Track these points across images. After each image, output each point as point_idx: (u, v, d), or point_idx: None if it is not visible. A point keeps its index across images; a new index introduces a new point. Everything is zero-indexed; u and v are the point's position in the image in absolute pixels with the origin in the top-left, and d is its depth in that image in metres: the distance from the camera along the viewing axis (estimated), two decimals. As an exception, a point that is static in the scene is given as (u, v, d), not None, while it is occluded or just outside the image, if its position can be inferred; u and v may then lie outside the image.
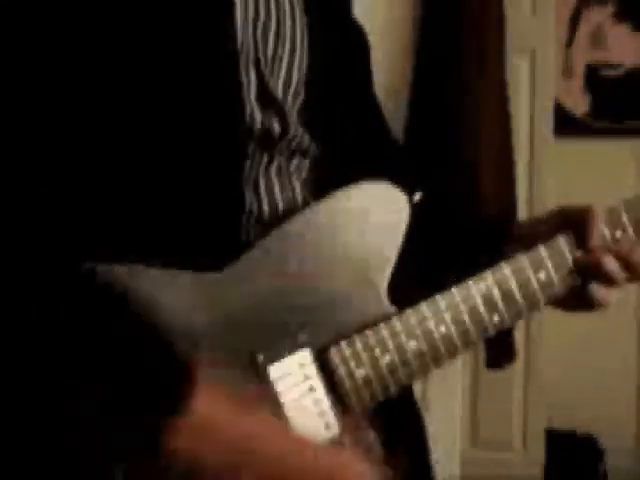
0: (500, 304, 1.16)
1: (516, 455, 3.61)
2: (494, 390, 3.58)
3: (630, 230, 1.22)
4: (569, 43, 3.96)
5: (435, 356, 1.14)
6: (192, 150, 1.08)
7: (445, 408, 3.24)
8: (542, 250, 1.19)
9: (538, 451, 3.58)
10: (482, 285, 1.16)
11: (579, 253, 1.20)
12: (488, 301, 1.16)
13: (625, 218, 1.21)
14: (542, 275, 1.18)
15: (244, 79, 1.13)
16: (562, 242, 1.20)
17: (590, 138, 3.93)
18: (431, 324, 1.13)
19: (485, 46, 3.30)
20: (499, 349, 3.21)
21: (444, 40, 3.27)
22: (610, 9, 3.92)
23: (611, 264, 1.19)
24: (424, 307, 1.14)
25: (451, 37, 3.28)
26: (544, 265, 1.18)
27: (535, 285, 1.18)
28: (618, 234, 1.21)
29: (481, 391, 3.63)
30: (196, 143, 1.08)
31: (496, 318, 1.16)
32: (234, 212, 1.11)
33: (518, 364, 3.42)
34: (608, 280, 1.20)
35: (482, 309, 1.16)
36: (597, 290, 1.21)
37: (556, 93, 3.74)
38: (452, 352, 1.15)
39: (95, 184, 1.06)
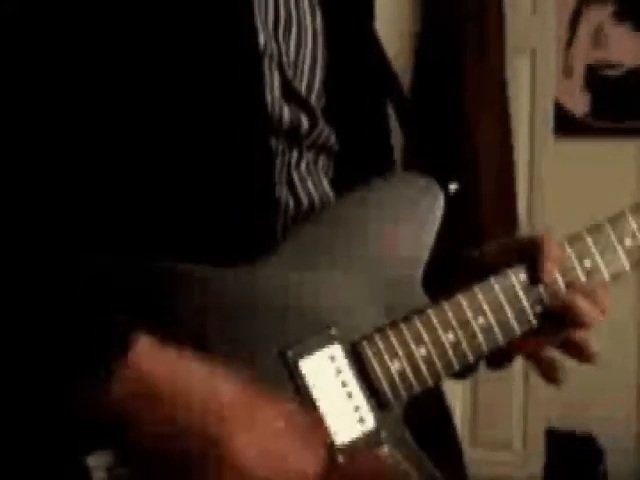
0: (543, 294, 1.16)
1: (516, 455, 3.61)
2: (494, 390, 3.58)
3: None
4: (569, 43, 3.96)
5: (474, 347, 1.13)
6: (220, 148, 1.09)
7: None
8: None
9: (538, 451, 3.58)
10: (522, 275, 1.16)
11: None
12: (528, 290, 1.15)
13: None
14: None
15: (268, 79, 1.13)
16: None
17: (590, 138, 3.93)
18: (468, 315, 1.13)
19: (485, 46, 3.30)
20: (499, 349, 3.20)
21: (444, 40, 3.27)
22: (610, 9, 3.92)
23: (582, 305, 1.15)
24: (460, 298, 1.13)
25: (451, 37, 3.28)
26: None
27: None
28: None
29: (481, 391, 3.63)
30: (223, 141, 1.09)
31: (539, 309, 1.16)
32: (267, 208, 1.12)
33: (518, 364, 3.41)
34: (579, 322, 1.16)
35: (523, 298, 1.15)
36: (574, 333, 1.17)
37: (556, 93, 3.74)
38: (492, 343, 1.14)
39: (132, 183, 1.07)
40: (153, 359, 0.98)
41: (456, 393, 3.46)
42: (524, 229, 3.42)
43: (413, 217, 1.14)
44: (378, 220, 1.13)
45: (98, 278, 1.02)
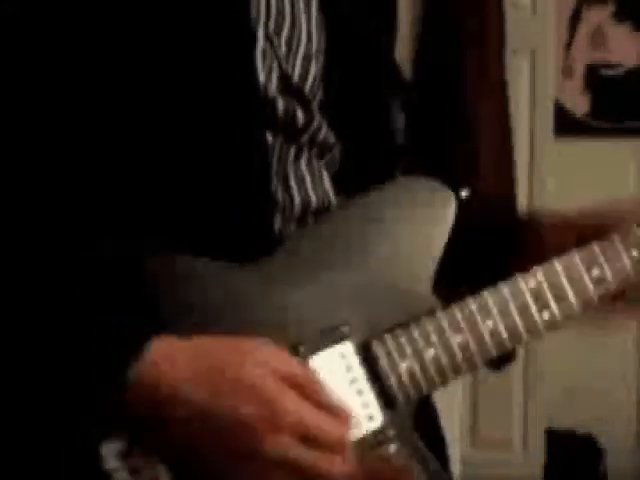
0: (551, 301, 1.16)
1: (516, 455, 3.61)
2: (494, 390, 3.58)
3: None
4: (569, 43, 3.96)
5: (482, 350, 1.14)
6: (215, 144, 1.09)
7: (445, 408, 3.24)
8: (595, 247, 1.18)
9: (538, 451, 3.59)
10: (532, 281, 1.16)
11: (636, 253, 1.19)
12: (538, 297, 1.16)
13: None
14: (596, 272, 1.17)
15: (263, 69, 1.13)
16: (616, 240, 1.19)
17: (590, 138, 3.93)
18: (478, 318, 1.13)
19: (485, 46, 3.30)
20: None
21: (444, 40, 3.27)
22: (610, 9, 3.93)
23: None
24: (470, 302, 1.14)
25: (451, 37, 3.28)
26: (598, 262, 1.18)
27: (588, 282, 1.17)
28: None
29: (481, 391, 3.63)
30: (219, 136, 1.09)
31: (546, 315, 1.16)
32: (264, 205, 1.12)
33: (518, 364, 3.42)
34: None
35: (532, 305, 1.16)
36: None
37: (556, 93, 3.74)
38: (500, 347, 1.15)
39: (127, 179, 1.07)
40: (169, 359, 0.99)
41: (456, 393, 3.45)
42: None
43: (426, 219, 1.15)
44: (392, 221, 1.14)
45: (97, 276, 1.02)
